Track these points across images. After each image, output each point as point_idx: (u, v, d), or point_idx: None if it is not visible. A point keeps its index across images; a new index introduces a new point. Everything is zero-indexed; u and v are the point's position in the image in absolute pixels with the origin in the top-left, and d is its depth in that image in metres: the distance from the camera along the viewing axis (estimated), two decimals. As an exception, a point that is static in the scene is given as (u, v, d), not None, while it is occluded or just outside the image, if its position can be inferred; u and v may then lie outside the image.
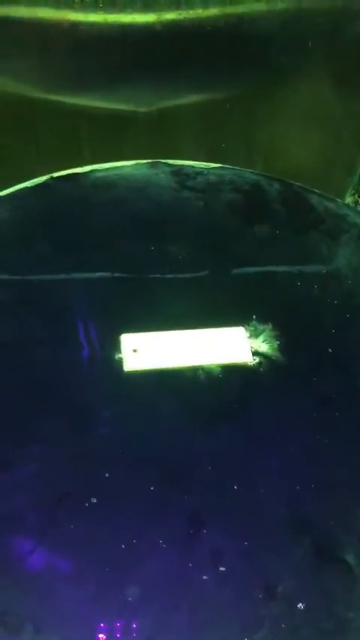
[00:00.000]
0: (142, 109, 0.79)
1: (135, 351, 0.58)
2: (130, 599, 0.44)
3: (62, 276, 0.63)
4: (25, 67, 0.75)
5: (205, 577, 0.46)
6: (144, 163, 0.77)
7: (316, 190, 0.76)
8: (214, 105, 0.81)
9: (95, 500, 0.48)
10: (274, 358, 0.60)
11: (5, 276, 0.63)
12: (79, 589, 0.45)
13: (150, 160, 0.77)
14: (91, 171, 0.75)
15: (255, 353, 0.60)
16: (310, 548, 0.48)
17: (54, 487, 0.49)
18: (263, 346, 0.61)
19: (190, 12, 0.75)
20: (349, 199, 0.96)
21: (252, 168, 0.81)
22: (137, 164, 0.77)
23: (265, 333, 0.62)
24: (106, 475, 0.50)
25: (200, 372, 0.58)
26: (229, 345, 0.60)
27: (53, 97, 0.77)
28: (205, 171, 0.77)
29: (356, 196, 0.96)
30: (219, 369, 0.58)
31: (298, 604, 0.45)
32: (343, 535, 0.49)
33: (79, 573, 0.45)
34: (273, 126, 0.86)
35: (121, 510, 0.49)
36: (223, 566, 0.46)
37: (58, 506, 0.48)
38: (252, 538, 0.48)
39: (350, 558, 0.48)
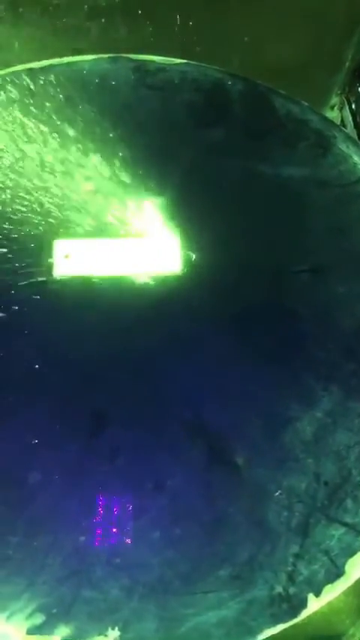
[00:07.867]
0: (103, -3, 0.75)
1: (67, 256, 0.60)
2: (30, 482, 0.50)
3: (2, 178, 0.64)
4: None
5: (101, 468, 0.51)
6: (105, 58, 0.74)
7: (282, 91, 0.72)
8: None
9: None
10: (202, 270, 0.61)
11: None
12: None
13: (112, 55, 0.74)
14: (49, 66, 0.73)
15: (185, 264, 0.61)
16: (204, 450, 0.52)
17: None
18: (193, 257, 0.61)
19: None
20: (335, 99, 0.90)
21: (228, 65, 0.77)
22: (98, 59, 0.74)
23: (198, 245, 0.62)
24: (24, 372, 0.54)
25: (127, 280, 0.60)
26: (160, 255, 0.61)
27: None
28: (168, 68, 0.74)
29: (343, 96, 0.90)
30: (145, 278, 0.60)
31: (182, 497, 0.50)
32: (236, 440, 0.53)
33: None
34: (250, 17, 0.80)
35: (33, 404, 0.53)
36: (119, 460, 0.51)
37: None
38: (150, 436, 0.52)
39: (240, 461, 0.52)
